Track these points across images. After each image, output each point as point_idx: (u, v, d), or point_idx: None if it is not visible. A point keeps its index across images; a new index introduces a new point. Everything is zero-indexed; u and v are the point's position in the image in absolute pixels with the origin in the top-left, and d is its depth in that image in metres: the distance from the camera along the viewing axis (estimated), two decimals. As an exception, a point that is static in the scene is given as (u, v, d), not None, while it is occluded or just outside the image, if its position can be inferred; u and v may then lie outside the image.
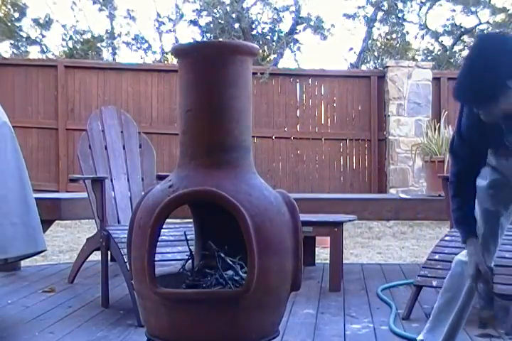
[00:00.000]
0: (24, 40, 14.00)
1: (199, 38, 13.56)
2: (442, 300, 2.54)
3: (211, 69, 2.52)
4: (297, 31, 13.45)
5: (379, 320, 3.36)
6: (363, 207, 5.00)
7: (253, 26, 13.51)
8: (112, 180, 4.16)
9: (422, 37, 14.37)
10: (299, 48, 13.56)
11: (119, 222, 4.06)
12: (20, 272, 4.75)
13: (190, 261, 2.63)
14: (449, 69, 12.44)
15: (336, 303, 3.75)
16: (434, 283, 3.40)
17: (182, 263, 2.66)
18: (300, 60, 13.95)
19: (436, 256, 3.52)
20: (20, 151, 3.44)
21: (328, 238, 4.24)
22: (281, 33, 13.26)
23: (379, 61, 13.87)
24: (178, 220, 3.76)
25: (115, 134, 4.34)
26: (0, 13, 14.04)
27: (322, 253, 5.48)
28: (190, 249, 2.63)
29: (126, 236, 2.63)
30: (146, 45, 14.24)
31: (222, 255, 2.49)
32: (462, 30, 14.13)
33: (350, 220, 4.35)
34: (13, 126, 3.49)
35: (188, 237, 2.71)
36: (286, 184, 9.25)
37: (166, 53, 13.98)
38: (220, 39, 12.28)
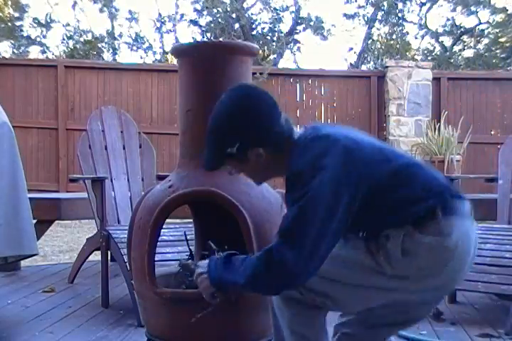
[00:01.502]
0: (24, 40, 13.99)
1: (199, 38, 13.56)
2: None
3: (211, 69, 2.52)
4: (297, 31, 13.46)
5: (379, 320, 3.35)
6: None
7: (253, 26, 13.51)
8: (111, 180, 4.16)
9: (422, 37, 14.39)
10: (298, 48, 13.58)
11: (119, 222, 4.06)
12: (20, 272, 4.75)
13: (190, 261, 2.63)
14: (449, 69, 12.44)
15: (336, 303, 3.75)
16: (434, 283, 3.40)
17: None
18: (300, 60, 13.97)
19: (436, 256, 3.51)
20: (18, 152, 3.42)
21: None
22: (281, 33, 13.26)
23: (379, 61, 13.87)
24: (178, 220, 3.76)
25: (115, 134, 4.34)
26: (0, 13, 14.04)
27: (322, 253, 5.47)
28: (190, 249, 2.63)
29: (126, 236, 2.63)
30: (147, 45, 14.24)
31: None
32: (462, 30, 14.13)
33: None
34: (13, 126, 3.48)
35: (188, 237, 2.71)
36: (286, 184, 9.23)
37: (166, 53, 13.98)
38: (220, 39, 12.28)
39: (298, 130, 1.92)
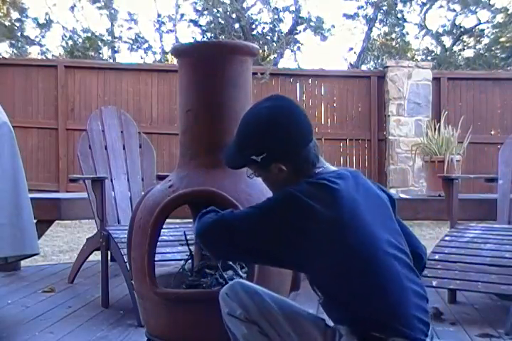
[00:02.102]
0: (24, 40, 13.98)
1: (199, 38, 13.56)
2: None
3: (211, 69, 2.52)
4: (297, 31, 13.46)
5: (379, 320, 3.35)
6: (363, 207, 4.99)
7: (253, 26, 13.51)
8: (112, 180, 4.16)
9: (422, 37, 14.39)
10: (299, 48, 13.57)
11: (119, 222, 4.06)
12: (20, 272, 4.75)
13: (190, 261, 2.63)
14: (449, 69, 12.44)
15: (336, 303, 3.75)
16: (434, 283, 3.40)
17: (182, 263, 2.66)
18: (300, 60, 13.96)
19: (436, 256, 3.52)
20: (19, 152, 3.42)
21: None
22: (281, 33, 13.26)
23: (379, 61, 13.87)
24: (178, 220, 3.76)
25: (115, 134, 4.34)
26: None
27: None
28: (190, 249, 2.63)
29: (126, 236, 2.63)
30: (146, 45, 14.24)
31: (222, 255, 2.48)
32: (462, 30, 14.13)
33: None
34: (13, 126, 3.48)
35: (188, 237, 2.71)
36: (286, 184, 9.22)
37: (166, 53, 13.98)
38: (220, 39, 12.28)
39: (325, 163, 1.90)
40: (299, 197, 1.74)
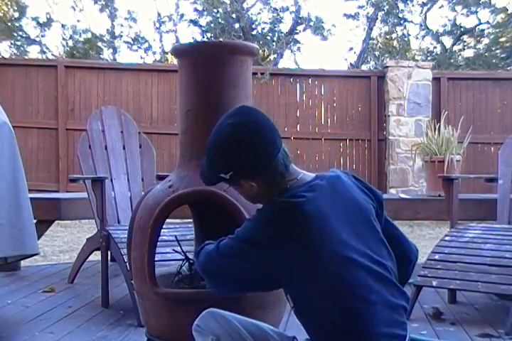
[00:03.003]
0: (24, 40, 13.98)
1: (199, 38, 13.57)
2: None
3: (211, 69, 2.52)
4: (297, 31, 13.46)
5: (379, 320, 3.35)
6: (363, 207, 4.98)
7: (253, 26, 13.51)
8: (112, 180, 4.16)
9: (423, 37, 14.38)
10: (299, 48, 13.57)
11: (119, 222, 4.06)
12: (20, 272, 4.75)
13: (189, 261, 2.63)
14: (449, 69, 12.44)
15: (336, 303, 3.74)
16: (434, 283, 3.41)
17: (181, 264, 2.66)
18: (300, 60, 13.96)
19: (436, 256, 3.52)
20: (19, 152, 3.42)
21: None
22: (281, 33, 13.27)
23: (379, 61, 13.87)
24: (178, 220, 3.76)
25: (115, 134, 4.34)
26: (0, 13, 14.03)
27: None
28: (183, 251, 2.63)
29: (126, 236, 2.63)
30: (146, 45, 14.25)
31: (222, 255, 2.48)
32: (462, 30, 14.13)
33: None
34: (13, 126, 3.49)
35: (188, 237, 2.71)
36: (286, 184, 9.21)
37: (166, 53, 13.98)
38: (220, 39, 12.27)
39: (300, 172, 1.90)
40: (265, 226, 1.76)
